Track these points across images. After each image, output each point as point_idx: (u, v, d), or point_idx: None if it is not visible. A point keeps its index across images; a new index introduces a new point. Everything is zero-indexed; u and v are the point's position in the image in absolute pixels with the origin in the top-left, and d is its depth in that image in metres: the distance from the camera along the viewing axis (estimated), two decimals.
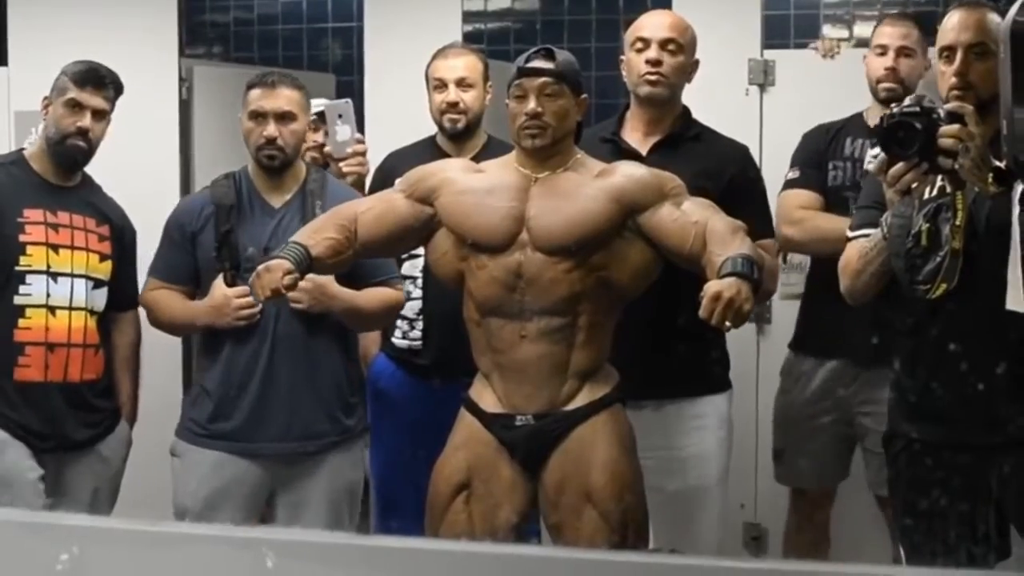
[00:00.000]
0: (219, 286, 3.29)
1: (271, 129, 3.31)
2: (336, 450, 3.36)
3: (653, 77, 3.31)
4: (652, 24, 3.38)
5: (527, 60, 2.98)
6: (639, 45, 3.34)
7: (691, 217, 2.88)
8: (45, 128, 3.47)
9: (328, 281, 3.26)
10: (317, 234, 3.00)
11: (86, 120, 3.40)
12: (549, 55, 2.98)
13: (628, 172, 2.99)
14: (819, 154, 3.73)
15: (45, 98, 3.46)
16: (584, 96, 3.03)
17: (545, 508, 2.99)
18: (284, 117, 3.32)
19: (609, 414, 2.97)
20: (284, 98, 3.34)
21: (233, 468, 3.31)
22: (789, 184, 3.64)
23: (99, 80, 3.42)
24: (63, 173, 3.47)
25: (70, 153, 3.43)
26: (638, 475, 3.00)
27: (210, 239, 3.34)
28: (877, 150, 3.69)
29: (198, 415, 3.37)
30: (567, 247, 2.90)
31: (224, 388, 3.33)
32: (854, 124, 3.76)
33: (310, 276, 3.21)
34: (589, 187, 2.94)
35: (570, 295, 2.90)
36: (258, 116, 3.33)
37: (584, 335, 2.94)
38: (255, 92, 3.36)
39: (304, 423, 3.32)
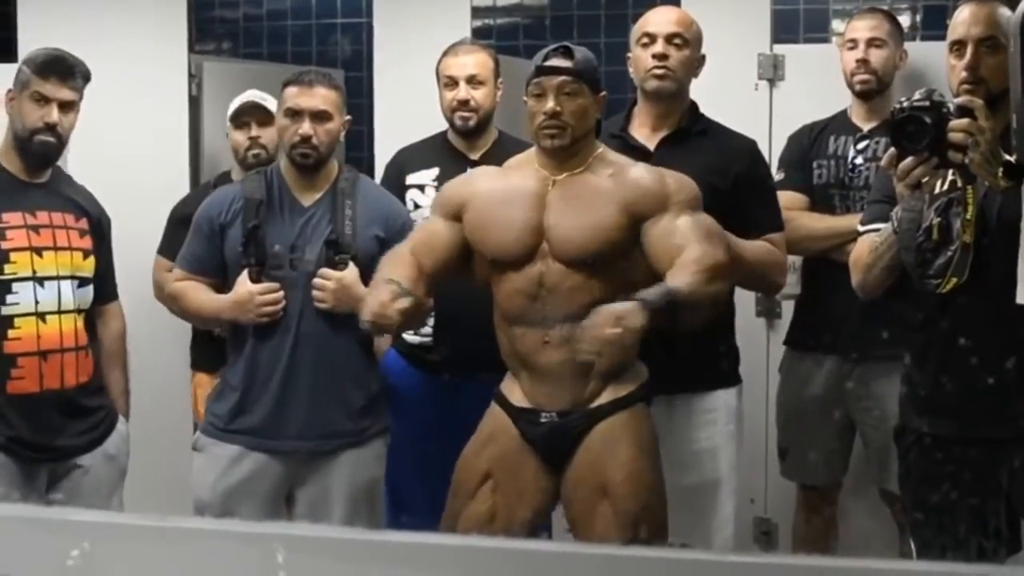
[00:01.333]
0: (243, 282, 3.29)
1: (306, 127, 3.29)
2: (355, 448, 3.35)
3: (660, 71, 3.31)
4: (657, 20, 3.37)
5: (545, 58, 2.96)
6: (645, 40, 3.34)
7: (675, 238, 2.86)
8: (11, 124, 3.31)
9: (354, 282, 3.26)
10: (398, 270, 2.98)
11: (53, 114, 3.25)
12: (568, 53, 2.96)
13: (637, 178, 2.96)
14: (803, 154, 3.79)
15: (9, 91, 3.31)
16: (603, 93, 3.02)
17: (566, 503, 3.00)
18: (320, 116, 3.30)
19: (631, 413, 2.96)
20: (320, 97, 3.32)
21: (252, 463, 3.32)
22: (775, 186, 3.65)
23: (64, 70, 3.28)
24: (34, 170, 3.34)
25: (39, 150, 3.29)
26: (658, 475, 2.99)
27: (238, 233, 3.33)
28: (863, 145, 3.73)
29: (220, 409, 3.37)
30: (586, 260, 2.90)
31: (246, 383, 3.33)
32: (838, 122, 3.81)
33: (336, 276, 3.23)
34: (604, 194, 2.93)
35: (591, 302, 2.86)
36: (294, 114, 3.31)
37: None
38: (291, 90, 3.34)
39: (324, 421, 3.32)
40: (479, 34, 4.92)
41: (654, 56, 3.31)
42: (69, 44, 3.49)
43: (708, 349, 3.36)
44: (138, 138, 3.97)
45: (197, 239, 3.42)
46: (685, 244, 2.84)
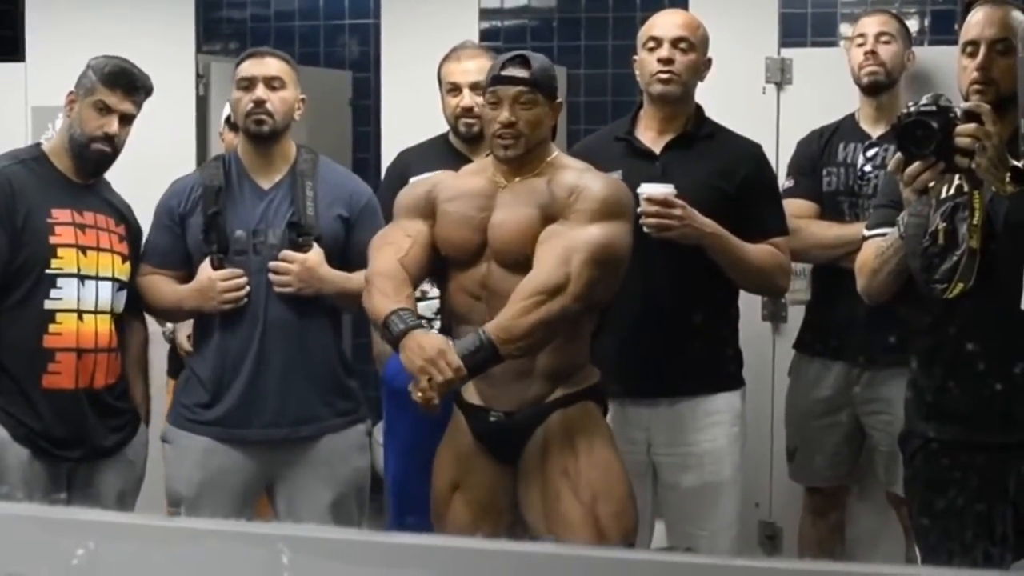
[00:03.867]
0: (205, 269, 3.27)
1: (260, 91, 3.27)
2: (332, 433, 3.33)
3: (665, 75, 3.31)
4: (663, 23, 3.37)
5: (502, 68, 2.96)
6: (651, 44, 3.34)
7: (540, 254, 2.84)
8: (69, 126, 3.34)
9: (318, 264, 3.25)
10: (401, 294, 2.93)
11: (113, 125, 3.28)
12: (524, 63, 2.95)
13: (559, 182, 2.94)
14: (813, 160, 3.79)
15: (71, 93, 3.33)
16: (559, 101, 3.02)
17: (520, 497, 3.00)
18: (273, 83, 3.29)
19: (578, 407, 2.97)
20: (273, 66, 3.32)
21: (224, 454, 3.29)
22: (785, 194, 3.65)
23: (130, 84, 3.31)
24: (85, 175, 3.37)
25: (95, 158, 3.32)
26: (614, 458, 2.98)
27: (199, 221, 3.30)
28: (872, 152, 3.73)
29: (189, 401, 3.35)
30: (517, 260, 2.88)
31: (216, 373, 3.30)
32: (846, 127, 3.81)
33: (299, 258, 3.24)
34: (534, 197, 2.92)
35: None
36: (247, 83, 3.30)
37: None
38: (244, 64, 3.35)
39: (297, 408, 3.29)
40: (487, 36, 4.91)
41: (659, 60, 3.30)
42: (77, 44, 3.50)
43: (712, 352, 3.37)
44: (145, 138, 3.96)
45: (158, 232, 3.40)
46: (538, 263, 2.83)
